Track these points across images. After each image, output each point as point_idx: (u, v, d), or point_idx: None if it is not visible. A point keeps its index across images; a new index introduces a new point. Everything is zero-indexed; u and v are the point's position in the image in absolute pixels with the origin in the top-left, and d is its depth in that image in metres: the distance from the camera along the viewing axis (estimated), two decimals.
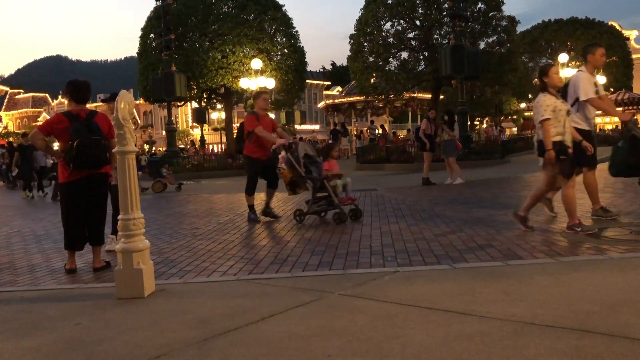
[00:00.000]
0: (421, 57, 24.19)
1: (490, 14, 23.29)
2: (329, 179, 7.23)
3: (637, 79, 46.80)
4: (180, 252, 5.77)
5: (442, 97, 28.61)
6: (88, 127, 4.99)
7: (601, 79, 30.61)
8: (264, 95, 8.14)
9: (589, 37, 38.24)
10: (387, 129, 34.07)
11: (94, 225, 5.18)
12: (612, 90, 35.08)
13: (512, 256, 4.55)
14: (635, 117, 6.39)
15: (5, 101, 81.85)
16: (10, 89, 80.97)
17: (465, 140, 19.41)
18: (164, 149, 21.95)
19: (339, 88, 60.78)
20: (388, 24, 23.76)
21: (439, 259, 4.69)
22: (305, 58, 28.48)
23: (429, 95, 28.54)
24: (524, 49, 33.72)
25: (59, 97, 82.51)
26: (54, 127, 5.09)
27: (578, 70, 6.22)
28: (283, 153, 7.47)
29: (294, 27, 27.75)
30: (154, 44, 25.90)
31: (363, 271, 4.38)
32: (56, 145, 5.33)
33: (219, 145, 41.29)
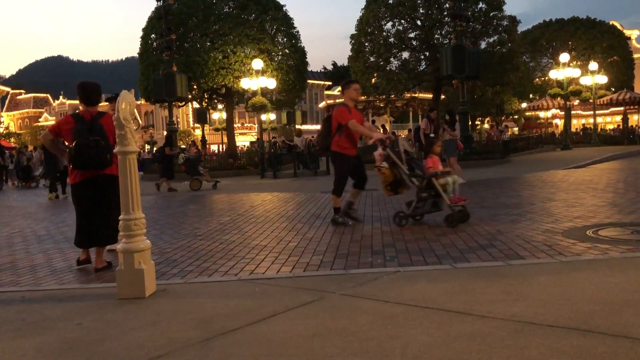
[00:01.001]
0: (422, 57, 24.20)
1: (491, 14, 23.29)
2: (438, 176, 6.41)
3: (638, 79, 46.75)
4: (182, 252, 5.77)
5: (443, 97, 28.60)
6: (90, 128, 5.04)
7: (602, 79, 30.70)
8: (355, 85, 7.17)
9: (590, 36, 38.26)
10: (387, 129, 34.05)
11: (96, 226, 5.18)
12: (613, 90, 35.05)
13: (514, 256, 4.55)
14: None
15: (7, 102, 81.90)
16: (12, 89, 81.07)
17: (466, 141, 19.42)
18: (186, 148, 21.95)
19: (340, 88, 60.79)
20: (389, 24, 23.78)
21: (440, 258, 4.69)
22: (306, 58, 28.49)
23: (430, 95, 28.55)
24: (525, 48, 33.72)
25: (60, 97, 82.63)
26: (62, 128, 5.22)
27: None
28: (379, 150, 6.57)
29: (295, 27, 27.75)
30: (155, 44, 25.90)
31: (364, 271, 4.38)
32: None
33: (220, 146, 41.29)
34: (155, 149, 30.07)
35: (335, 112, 6.99)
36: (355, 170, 7.11)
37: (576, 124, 45.88)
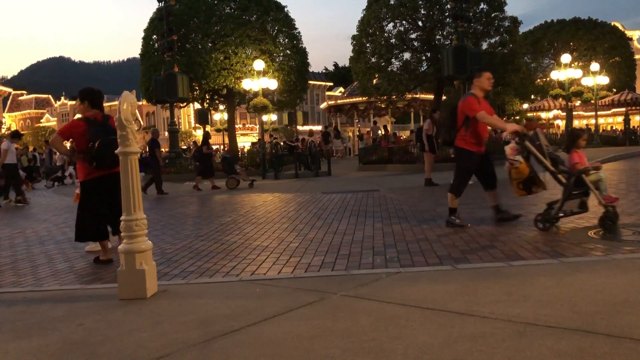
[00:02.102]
0: (423, 57, 24.17)
1: (493, 15, 23.26)
2: (588, 172, 5.62)
3: None
4: (183, 252, 5.77)
5: (444, 97, 28.59)
6: (104, 128, 5.47)
7: (603, 80, 30.67)
8: (487, 74, 6.41)
9: (592, 37, 38.20)
10: (389, 130, 34.07)
11: (115, 218, 5.26)
12: (614, 90, 35.00)
13: (515, 257, 4.55)
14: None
15: (9, 102, 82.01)
16: (14, 90, 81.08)
17: None
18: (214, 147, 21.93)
19: (341, 89, 60.79)
20: (390, 25, 23.75)
21: (441, 259, 4.68)
22: (308, 59, 28.49)
23: (431, 96, 28.52)
24: (526, 49, 33.64)
25: (62, 98, 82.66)
26: (72, 131, 5.63)
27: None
28: (512, 144, 5.79)
29: (296, 28, 27.76)
30: (156, 45, 25.90)
31: (365, 272, 4.38)
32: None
33: (222, 147, 41.31)
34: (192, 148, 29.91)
35: (461, 103, 6.25)
36: (481, 168, 6.43)
37: (578, 124, 45.84)
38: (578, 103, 36.71)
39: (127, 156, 4.04)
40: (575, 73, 28.47)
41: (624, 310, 2.96)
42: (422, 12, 23.28)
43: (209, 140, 16.02)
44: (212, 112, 35.14)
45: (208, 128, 27.19)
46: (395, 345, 2.66)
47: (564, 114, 33.97)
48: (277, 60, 26.57)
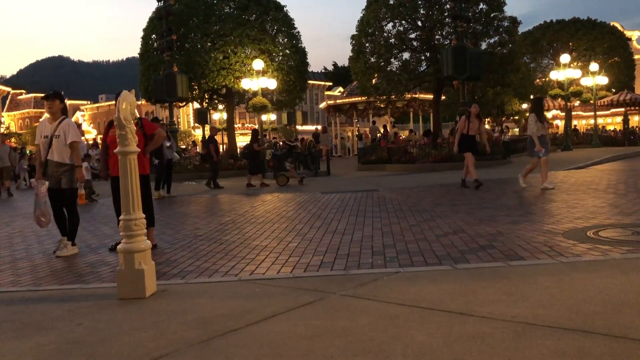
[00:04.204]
0: (423, 57, 24.16)
1: (492, 15, 23.25)
2: None
3: (639, 80, 46.72)
4: (182, 252, 5.77)
5: (443, 97, 28.59)
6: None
7: (603, 80, 30.68)
8: None
9: (591, 37, 38.19)
10: (388, 130, 34.07)
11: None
12: (614, 90, 35.02)
13: (514, 257, 4.55)
14: None
15: (7, 102, 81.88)
16: (12, 89, 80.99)
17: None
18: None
19: (340, 89, 60.78)
20: (390, 25, 23.73)
21: (440, 259, 4.68)
22: (307, 59, 28.47)
23: (430, 96, 28.51)
24: (525, 49, 33.65)
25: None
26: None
27: None
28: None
29: (295, 28, 27.74)
30: (155, 44, 25.89)
31: (364, 272, 4.38)
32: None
33: (221, 146, 41.30)
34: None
35: None
36: None
37: (577, 124, 45.85)
38: (577, 103, 36.74)
39: (126, 156, 4.03)
40: (574, 73, 28.49)
41: (624, 310, 2.97)
42: (422, 12, 23.27)
43: (258, 137, 16.12)
44: (212, 111, 35.11)
45: (207, 128, 27.12)
46: (395, 345, 2.66)
47: (563, 114, 33.97)
48: (277, 59, 26.55)
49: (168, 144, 13.13)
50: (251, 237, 6.48)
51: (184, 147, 37.96)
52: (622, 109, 33.92)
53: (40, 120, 7.24)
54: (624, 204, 7.32)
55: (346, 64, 33.08)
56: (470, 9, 21.87)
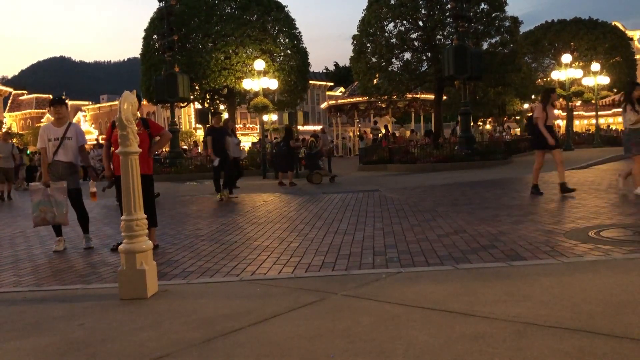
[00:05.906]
0: (424, 57, 24.18)
1: (493, 15, 23.28)
2: None
3: None
4: (183, 252, 5.77)
5: (444, 97, 28.59)
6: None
7: (604, 80, 30.65)
8: None
9: (593, 37, 38.20)
10: (390, 130, 34.08)
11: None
12: (615, 90, 35.01)
13: (515, 257, 4.55)
14: None
15: (9, 102, 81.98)
16: (14, 90, 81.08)
17: (468, 141, 19.39)
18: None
19: (341, 89, 60.79)
20: (391, 25, 23.77)
21: (442, 259, 4.68)
22: (308, 59, 28.50)
23: (431, 96, 28.53)
24: (527, 49, 33.66)
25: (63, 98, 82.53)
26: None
27: None
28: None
29: (296, 28, 27.77)
30: (157, 45, 25.92)
31: (366, 272, 4.38)
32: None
33: None
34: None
35: None
36: None
37: (578, 124, 45.82)
38: (579, 103, 36.72)
39: (127, 156, 4.04)
40: (575, 73, 28.48)
41: (625, 310, 2.96)
42: (423, 12, 23.30)
43: (293, 135, 16.19)
44: (213, 111, 35.14)
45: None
46: (396, 345, 2.66)
47: (565, 114, 33.96)
48: (278, 60, 26.59)
49: (237, 141, 13.07)
50: (253, 237, 6.48)
51: (185, 147, 37.96)
52: (621, 109, 33.86)
53: (43, 123, 7.38)
54: (626, 204, 7.31)
55: (347, 64, 33.12)
56: (471, 8, 21.88)
